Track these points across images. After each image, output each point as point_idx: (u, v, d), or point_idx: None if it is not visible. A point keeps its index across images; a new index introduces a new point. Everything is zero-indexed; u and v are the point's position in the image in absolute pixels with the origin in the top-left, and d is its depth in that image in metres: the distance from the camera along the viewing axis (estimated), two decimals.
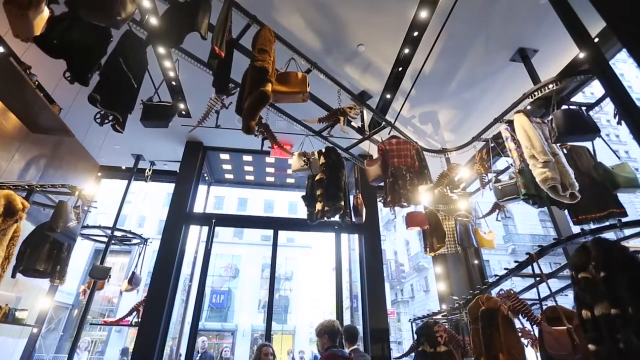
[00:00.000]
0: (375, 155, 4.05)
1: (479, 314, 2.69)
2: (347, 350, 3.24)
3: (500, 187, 3.39)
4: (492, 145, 3.72)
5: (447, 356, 3.43)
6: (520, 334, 2.48)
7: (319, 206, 3.58)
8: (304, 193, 4.07)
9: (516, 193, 3.19)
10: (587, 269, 1.77)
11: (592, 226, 2.76)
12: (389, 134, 4.08)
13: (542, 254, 2.58)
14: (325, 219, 3.62)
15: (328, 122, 3.58)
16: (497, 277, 3.03)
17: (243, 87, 2.57)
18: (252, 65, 2.48)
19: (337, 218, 3.71)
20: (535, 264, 2.56)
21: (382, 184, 4.02)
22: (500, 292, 2.76)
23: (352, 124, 3.93)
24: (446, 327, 3.67)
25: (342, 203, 3.49)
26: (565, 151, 3.15)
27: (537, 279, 2.65)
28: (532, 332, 2.50)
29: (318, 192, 3.65)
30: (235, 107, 2.58)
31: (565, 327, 2.08)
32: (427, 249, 4.43)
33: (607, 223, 2.64)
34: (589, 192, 2.83)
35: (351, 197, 4.29)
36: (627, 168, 2.87)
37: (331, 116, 3.54)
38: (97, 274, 5.09)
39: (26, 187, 3.04)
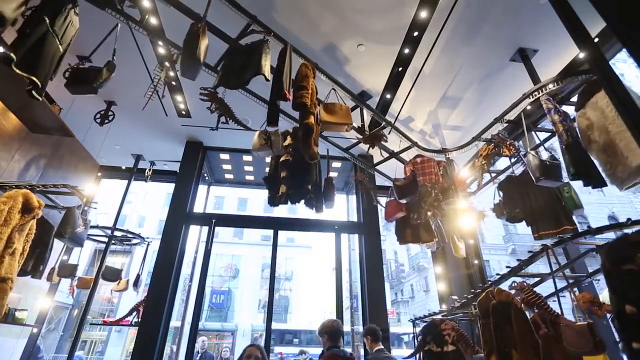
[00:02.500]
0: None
1: (489, 308, 2.55)
2: (374, 349, 3.20)
3: (548, 163, 2.90)
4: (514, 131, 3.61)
5: (455, 356, 3.26)
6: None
7: (282, 189, 3.34)
8: None
9: (557, 174, 2.88)
10: (633, 260, 1.63)
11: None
12: (388, 133, 4.08)
13: (536, 256, 2.57)
14: (290, 203, 3.38)
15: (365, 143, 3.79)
16: (509, 270, 2.88)
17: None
18: (294, 102, 2.67)
19: (302, 203, 3.49)
20: (551, 255, 2.49)
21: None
22: (513, 284, 2.66)
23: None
24: (454, 324, 3.49)
25: (309, 187, 3.29)
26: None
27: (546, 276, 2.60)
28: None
29: (282, 174, 3.40)
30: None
31: (585, 322, 2.00)
32: (400, 239, 4.39)
33: (607, 223, 2.63)
34: (547, 210, 3.29)
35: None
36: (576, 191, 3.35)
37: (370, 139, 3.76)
38: (109, 276, 5.14)
39: (26, 187, 3.03)
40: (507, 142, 3.49)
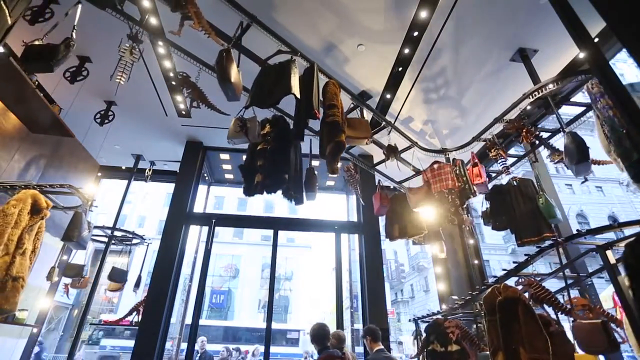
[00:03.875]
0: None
1: (496, 304, 2.46)
2: (374, 349, 3.22)
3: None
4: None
5: (460, 356, 3.18)
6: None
7: (258, 178, 3.20)
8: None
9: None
10: None
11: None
12: (388, 133, 4.08)
13: (541, 252, 2.56)
14: (265, 193, 3.24)
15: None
16: (516, 265, 2.82)
17: (322, 135, 2.94)
18: (325, 121, 2.78)
19: (279, 194, 3.32)
20: (562, 252, 2.44)
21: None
22: (520, 280, 2.60)
23: None
24: (458, 321, 3.43)
25: (286, 176, 3.17)
26: (515, 183, 3.78)
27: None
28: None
29: (259, 163, 3.26)
30: (319, 151, 3.00)
31: (599, 320, 1.90)
32: (388, 236, 4.33)
33: (605, 224, 2.63)
34: (529, 219, 3.50)
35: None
36: (553, 203, 3.50)
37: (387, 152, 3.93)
38: (116, 277, 5.16)
39: (26, 187, 3.03)
40: (526, 128, 3.40)
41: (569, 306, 2.21)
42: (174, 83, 4.12)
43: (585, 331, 1.97)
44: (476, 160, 3.77)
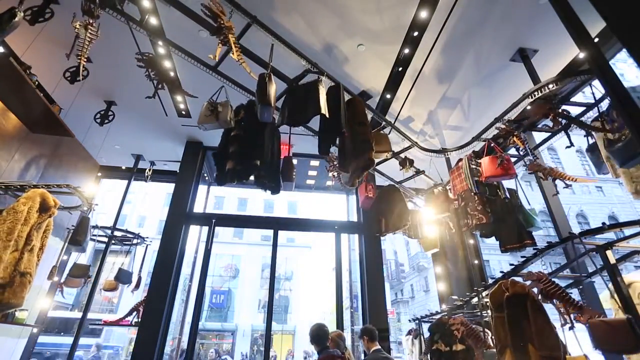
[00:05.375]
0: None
1: (503, 300, 2.38)
2: (371, 349, 3.21)
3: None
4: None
5: (465, 356, 3.12)
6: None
7: (229, 165, 3.07)
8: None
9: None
10: None
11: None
12: (388, 133, 4.08)
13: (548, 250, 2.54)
14: (237, 181, 3.10)
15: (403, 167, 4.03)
16: (524, 260, 2.76)
17: (345, 150, 3.07)
18: (355, 139, 2.92)
19: (253, 180, 3.22)
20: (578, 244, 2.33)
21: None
22: (529, 275, 2.52)
23: None
24: (463, 318, 3.35)
25: (257, 162, 3.06)
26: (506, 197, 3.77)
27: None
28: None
29: (231, 150, 3.13)
30: (338, 165, 3.17)
31: (624, 317, 1.78)
32: (377, 231, 4.24)
33: (603, 224, 2.61)
34: (512, 227, 3.71)
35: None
36: (535, 212, 3.73)
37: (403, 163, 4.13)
38: (124, 278, 5.17)
39: (27, 187, 3.04)
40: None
41: (581, 302, 2.12)
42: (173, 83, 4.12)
43: (607, 329, 1.86)
44: (492, 145, 3.51)
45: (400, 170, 4.12)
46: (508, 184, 3.86)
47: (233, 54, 2.72)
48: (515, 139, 3.40)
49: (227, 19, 2.71)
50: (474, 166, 3.68)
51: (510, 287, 2.42)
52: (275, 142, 3.28)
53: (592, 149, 3.12)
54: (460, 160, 3.89)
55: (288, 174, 3.32)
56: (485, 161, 3.42)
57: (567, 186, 3.30)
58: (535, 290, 2.35)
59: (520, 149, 3.50)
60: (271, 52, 2.97)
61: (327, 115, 2.68)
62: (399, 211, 4.03)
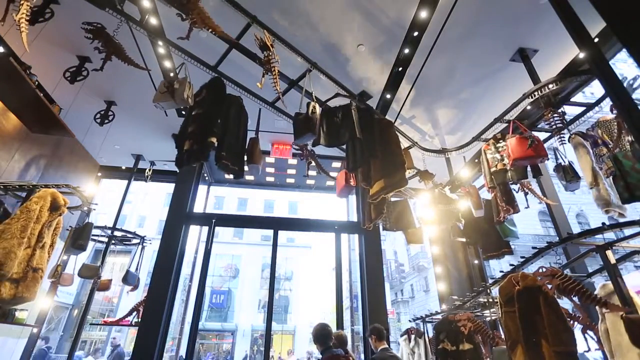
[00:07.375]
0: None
1: (514, 294, 2.28)
2: (379, 348, 3.20)
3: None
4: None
5: (472, 355, 3.04)
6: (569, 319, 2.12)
7: (186, 146, 2.84)
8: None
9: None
10: None
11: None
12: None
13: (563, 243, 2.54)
14: (194, 162, 2.83)
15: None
16: (524, 260, 2.73)
17: (368, 166, 3.19)
18: (386, 158, 3.08)
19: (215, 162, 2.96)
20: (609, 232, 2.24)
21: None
22: (541, 271, 2.44)
23: None
24: (470, 314, 3.26)
25: (213, 140, 2.79)
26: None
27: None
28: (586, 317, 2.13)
29: (189, 129, 2.87)
30: (362, 179, 3.29)
31: None
32: (365, 222, 4.13)
33: (603, 224, 2.62)
34: (491, 238, 4.09)
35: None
36: (512, 222, 4.02)
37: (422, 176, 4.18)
38: (130, 280, 5.19)
39: (27, 187, 3.04)
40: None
41: (603, 298, 2.04)
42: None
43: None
44: (516, 124, 3.18)
45: (420, 182, 4.19)
46: (483, 194, 4.04)
47: (276, 85, 2.99)
48: (550, 114, 3.03)
49: (274, 50, 2.93)
50: (490, 155, 3.34)
51: (521, 280, 2.30)
52: (242, 124, 3.06)
53: (557, 170, 3.31)
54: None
55: (254, 156, 3.15)
56: (512, 142, 2.98)
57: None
58: (549, 286, 2.25)
59: (557, 120, 3.04)
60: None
61: (361, 139, 2.91)
62: (379, 205, 3.62)
